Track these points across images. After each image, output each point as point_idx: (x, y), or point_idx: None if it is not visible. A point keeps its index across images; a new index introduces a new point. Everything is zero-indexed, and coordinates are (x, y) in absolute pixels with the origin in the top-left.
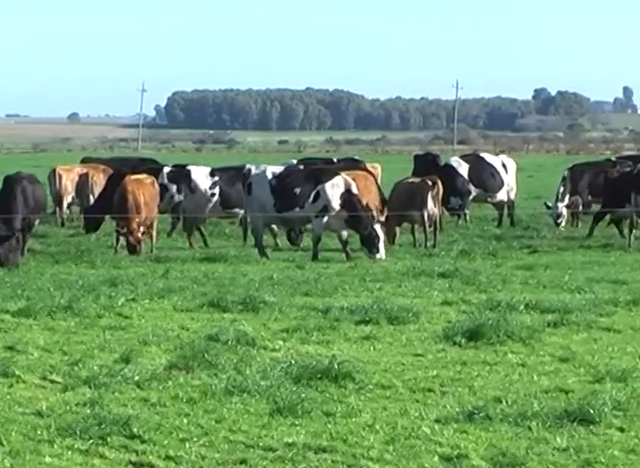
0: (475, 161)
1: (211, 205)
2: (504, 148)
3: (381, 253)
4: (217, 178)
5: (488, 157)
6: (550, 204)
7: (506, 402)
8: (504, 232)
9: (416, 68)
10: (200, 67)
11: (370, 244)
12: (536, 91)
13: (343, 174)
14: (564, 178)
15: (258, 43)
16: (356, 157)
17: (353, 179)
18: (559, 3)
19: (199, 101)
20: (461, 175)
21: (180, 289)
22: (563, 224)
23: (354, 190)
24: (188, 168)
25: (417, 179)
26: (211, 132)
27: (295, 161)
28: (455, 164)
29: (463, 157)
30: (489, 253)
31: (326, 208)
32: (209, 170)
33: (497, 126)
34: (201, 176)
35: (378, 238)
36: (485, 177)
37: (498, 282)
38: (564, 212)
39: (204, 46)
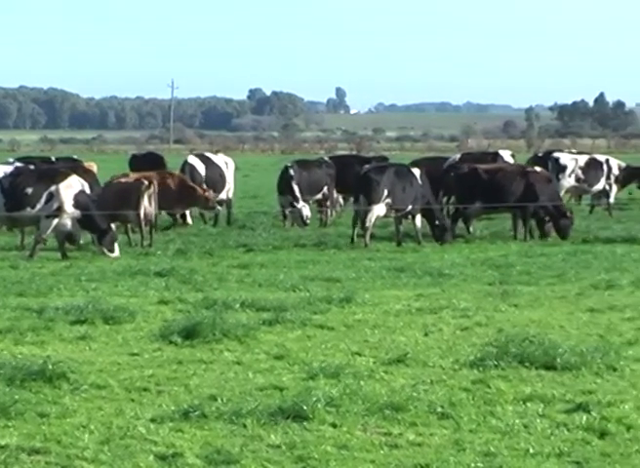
0: (206, 161)
1: None
2: (220, 147)
3: (117, 252)
4: None
5: (213, 157)
6: (297, 204)
7: (222, 400)
8: (221, 231)
9: (131, 67)
10: None
11: (107, 242)
12: (250, 91)
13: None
14: (291, 177)
15: None
16: (74, 156)
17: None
18: (265, 4)
19: None
20: (200, 175)
21: None
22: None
23: (88, 190)
24: None
25: (130, 179)
26: None
27: (11, 160)
28: (195, 163)
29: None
30: (205, 251)
31: (60, 208)
32: None
33: (213, 125)
34: None
35: (114, 237)
36: (216, 178)
37: (214, 280)
38: (308, 210)
39: None
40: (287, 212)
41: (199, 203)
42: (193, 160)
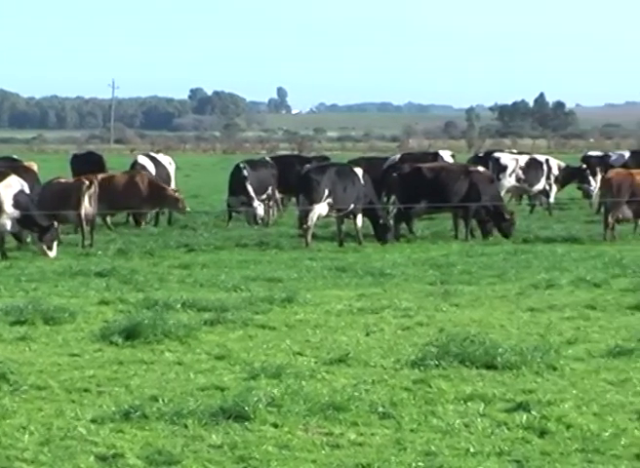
0: (154, 160)
1: None
2: (161, 147)
3: (54, 252)
4: None
5: (159, 157)
6: (254, 204)
7: (163, 400)
8: (162, 231)
9: (71, 67)
10: None
11: (47, 239)
12: (192, 90)
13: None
14: (245, 177)
15: None
16: (14, 156)
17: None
18: (205, 4)
19: None
20: (151, 175)
21: None
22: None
23: (27, 190)
24: None
25: (71, 179)
26: None
27: None
28: (146, 163)
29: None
30: (146, 251)
31: None
32: None
33: (154, 125)
34: None
35: (54, 235)
36: (163, 177)
37: (155, 281)
38: (262, 210)
39: None
40: (234, 211)
41: (168, 203)
42: (143, 160)
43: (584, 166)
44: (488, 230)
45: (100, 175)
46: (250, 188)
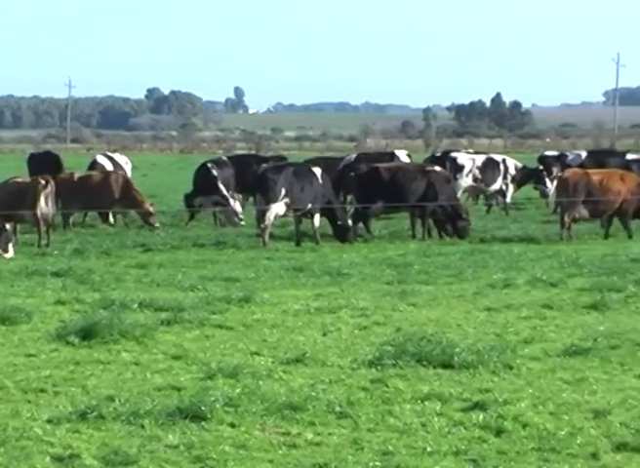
0: (112, 160)
1: None
2: (118, 147)
3: (11, 252)
4: None
5: (115, 156)
6: (231, 202)
7: (119, 400)
8: (118, 231)
9: (27, 66)
10: None
11: (1, 242)
12: (148, 90)
13: None
14: (215, 177)
15: None
16: None
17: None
18: (161, 3)
19: None
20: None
21: None
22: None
23: None
24: None
25: (27, 179)
26: None
27: None
28: (104, 163)
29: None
30: (103, 251)
31: None
32: None
33: (110, 124)
34: None
35: (8, 237)
36: None
37: (111, 280)
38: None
39: None
40: (196, 211)
41: (137, 207)
42: (102, 159)
43: (541, 167)
44: (448, 231)
45: (77, 175)
46: (222, 187)
